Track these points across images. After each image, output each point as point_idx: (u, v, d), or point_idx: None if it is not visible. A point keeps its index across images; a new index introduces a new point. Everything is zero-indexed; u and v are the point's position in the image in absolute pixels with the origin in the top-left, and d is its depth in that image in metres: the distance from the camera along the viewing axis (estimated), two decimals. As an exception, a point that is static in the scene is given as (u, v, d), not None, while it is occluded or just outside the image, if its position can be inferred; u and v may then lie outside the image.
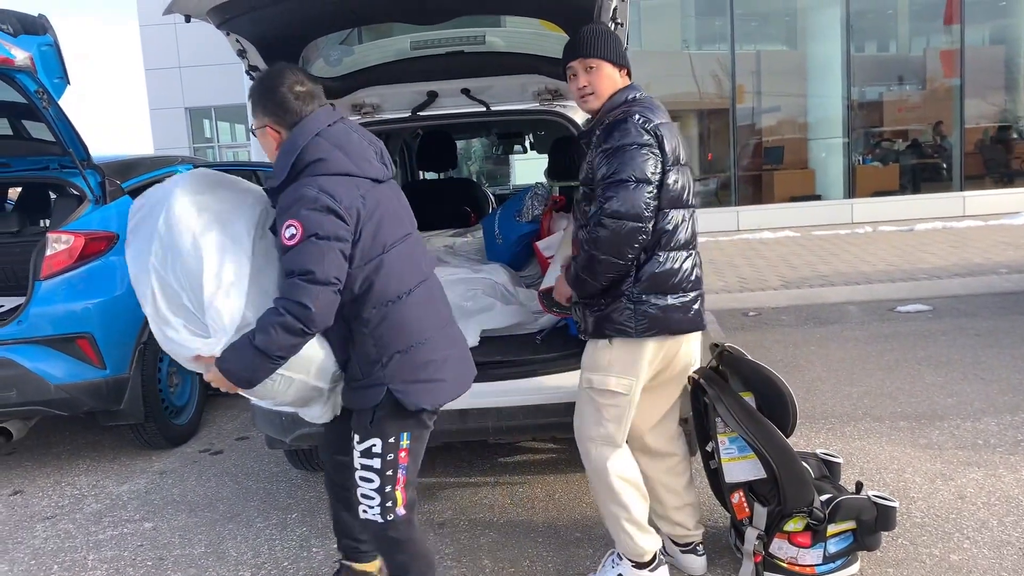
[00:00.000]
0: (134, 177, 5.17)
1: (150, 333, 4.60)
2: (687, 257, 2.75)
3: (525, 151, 6.67)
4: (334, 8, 3.00)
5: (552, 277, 3.74)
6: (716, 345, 3.17)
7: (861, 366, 5.51)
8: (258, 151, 14.60)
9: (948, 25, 13.31)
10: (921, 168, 14.02)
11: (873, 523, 2.92)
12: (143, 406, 4.53)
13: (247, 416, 5.13)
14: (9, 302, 4.56)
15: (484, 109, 3.89)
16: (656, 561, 2.89)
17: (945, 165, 13.91)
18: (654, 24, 14.02)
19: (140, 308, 4.56)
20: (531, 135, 6.34)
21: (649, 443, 3.02)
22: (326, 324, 2.24)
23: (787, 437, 2.96)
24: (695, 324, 2.79)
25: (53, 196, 5.59)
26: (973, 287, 7.76)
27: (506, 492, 3.86)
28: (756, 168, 14.15)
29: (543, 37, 3.56)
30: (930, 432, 4.25)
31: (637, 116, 2.62)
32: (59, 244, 4.33)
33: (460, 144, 7.14)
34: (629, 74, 2.84)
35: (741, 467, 3.02)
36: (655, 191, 2.58)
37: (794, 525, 2.90)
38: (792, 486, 2.88)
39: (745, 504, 3.02)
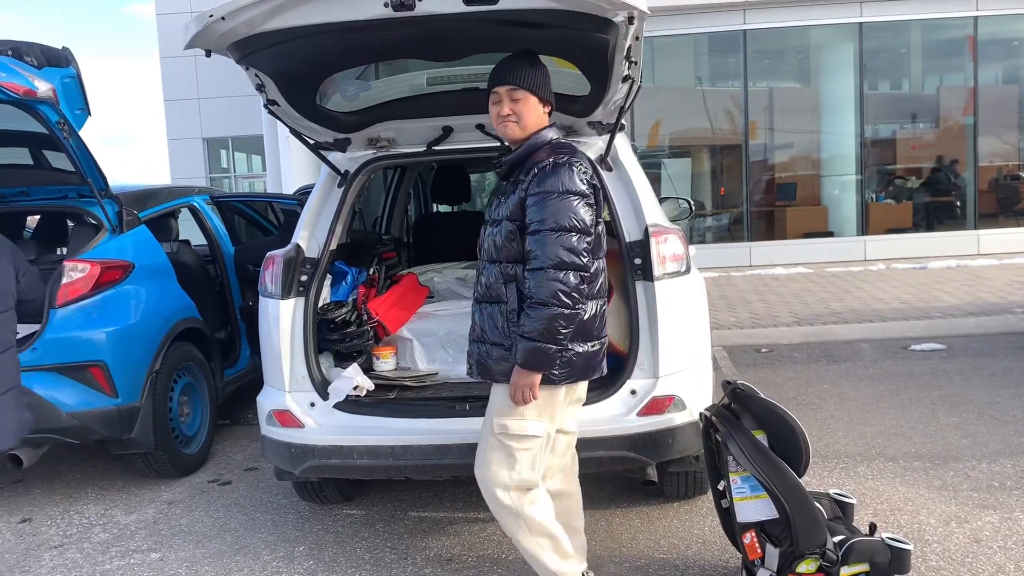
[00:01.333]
0: (151, 207, 5.24)
1: (162, 362, 4.64)
2: (603, 304, 2.85)
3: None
4: (352, 45, 3.04)
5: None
6: (728, 382, 3.16)
7: (875, 405, 5.47)
8: (274, 182, 14.73)
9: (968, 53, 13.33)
10: (935, 206, 14.00)
11: (887, 566, 2.88)
12: (154, 435, 4.54)
13: (256, 447, 5.12)
14: (24, 329, 4.58)
15: (498, 144, 3.92)
16: None
17: (959, 203, 13.89)
18: (667, 60, 14.13)
19: (155, 337, 4.59)
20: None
21: (551, 484, 3.02)
22: None
23: (799, 476, 2.94)
24: (603, 368, 2.89)
25: (71, 225, 5.65)
26: (988, 326, 7.70)
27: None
28: (769, 204, 14.17)
29: (557, 74, 3.57)
30: (945, 473, 4.20)
31: (577, 165, 2.70)
32: (75, 272, 4.37)
33: (474, 178, 7.17)
34: (552, 112, 2.91)
35: (753, 507, 2.99)
36: (592, 241, 2.67)
37: (806, 567, 2.86)
38: (805, 527, 2.85)
39: (757, 544, 2.98)
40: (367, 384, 3.69)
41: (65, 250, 5.50)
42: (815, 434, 4.78)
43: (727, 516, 3.12)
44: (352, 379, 3.67)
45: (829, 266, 12.48)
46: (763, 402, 3.08)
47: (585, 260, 2.62)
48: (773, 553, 2.92)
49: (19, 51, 4.26)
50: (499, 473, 2.79)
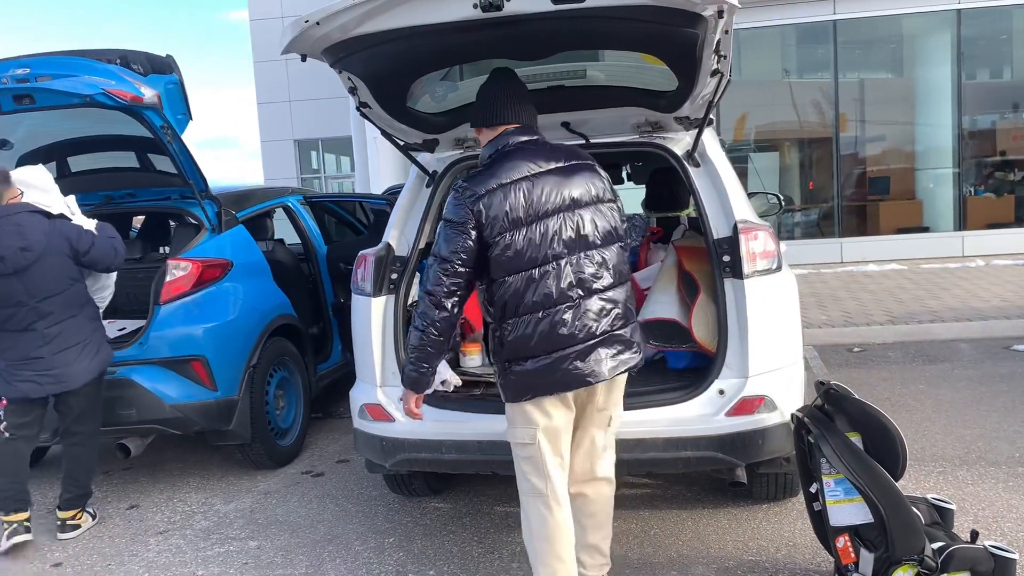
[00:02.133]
0: (248, 207, 5.43)
1: (259, 357, 4.81)
2: (543, 319, 2.69)
3: (621, 182, 6.65)
4: (441, 46, 3.09)
5: (650, 310, 3.74)
6: (821, 383, 3.09)
7: (975, 407, 5.25)
8: (363, 182, 15.06)
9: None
10: (1039, 199, 13.31)
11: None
12: (251, 427, 4.72)
13: (349, 439, 5.25)
14: (131, 324, 4.82)
15: (583, 142, 3.92)
16: None
17: (1064, 196, 13.18)
18: (753, 53, 13.81)
19: (252, 332, 4.83)
20: (627, 166, 6.32)
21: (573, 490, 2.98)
22: None
23: (896, 480, 2.86)
24: (568, 383, 2.73)
25: (173, 225, 5.91)
26: (1099, 326, 7.29)
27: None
28: (860, 198, 13.71)
29: (644, 70, 3.58)
30: (1052, 480, 4.02)
31: (460, 186, 2.77)
32: (178, 271, 4.58)
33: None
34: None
35: (847, 510, 2.92)
36: (455, 267, 2.70)
37: (903, 573, 2.78)
38: (901, 532, 2.77)
39: (851, 549, 2.91)
40: (455, 380, 3.75)
41: (167, 249, 5.77)
42: (911, 436, 4.62)
43: (819, 519, 3.06)
44: (440, 373, 3.74)
45: (924, 262, 12.01)
46: (858, 403, 3.00)
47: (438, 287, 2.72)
48: (868, 558, 2.84)
49: (126, 59, 4.49)
50: (518, 480, 2.92)
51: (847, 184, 13.66)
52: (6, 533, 4.05)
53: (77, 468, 4.21)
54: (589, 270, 2.75)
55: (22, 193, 4.07)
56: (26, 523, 4.07)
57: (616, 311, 2.79)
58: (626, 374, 2.92)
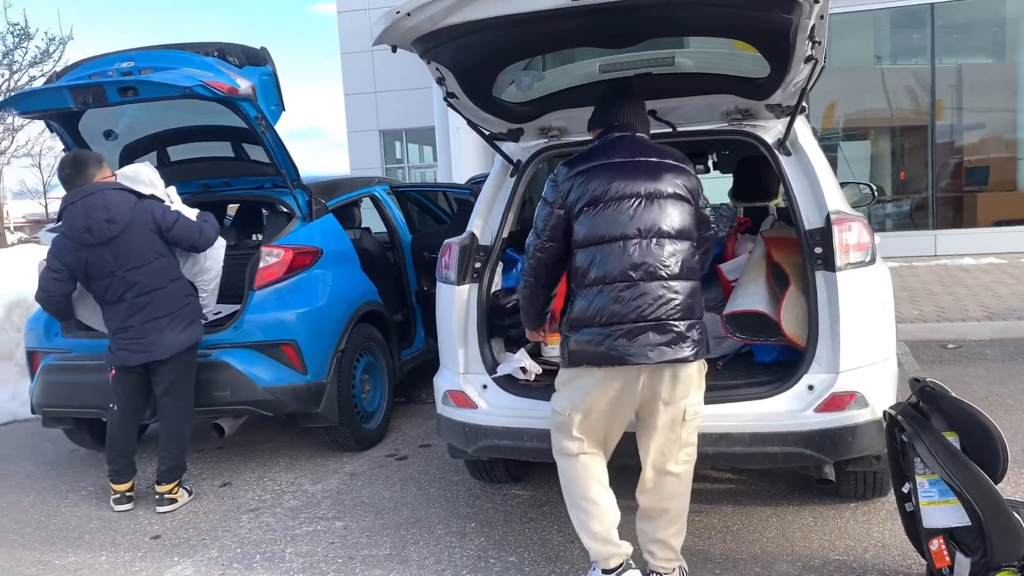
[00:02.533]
0: (337, 196, 5.56)
1: (347, 342, 4.93)
2: (603, 292, 2.85)
3: (707, 171, 6.55)
4: (529, 35, 3.10)
5: (737, 302, 3.68)
6: (916, 380, 2.99)
7: (1081, 409, 5.00)
8: (445, 172, 15.22)
9: None
10: None
11: (1097, 584, 2.64)
12: (338, 410, 4.84)
13: (431, 424, 5.35)
14: (226, 309, 5.00)
15: (670, 130, 3.88)
16: (622, 567, 2.98)
17: None
18: (843, 39, 13.36)
19: (340, 318, 5.06)
20: (715, 155, 6.22)
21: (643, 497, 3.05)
22: None
23: (996, 483, 2.74)
24: (611, 358, 2.83)
25: (265, 213, 6.09)
26: None
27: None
28: (957, 189, 13.16)
29: (735, 57, 3.51)
30: None
31: (556, 170, 3.06)
32: (271, 257, 4.72)
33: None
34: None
35: (942, 512, 2.83)
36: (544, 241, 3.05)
37: (1002, 579, 2.68)
38: (1000, 537, 2.66)
39: (945, 552, 2.82)
40: (535, 368, 3.76)
41: (260, 236, 5.95)
42: (1012, 438, 4.41)
43: (911, 520, 2.97)
44: (520, 360, 3.76)
45: (1026, 257, 11.48)
46: (955, 401, 2.89)
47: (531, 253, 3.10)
48: (964, 563, 2.75)
49: (223, 52, 4.65)
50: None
51: (942, 174, 13.13)
52: (112, 500, 4.41)
53: (170, 441, 4.43)
54: (655, 256, 2.86)
55: (115, 176, 4.39)
56: (128, 492, 4.42)
57: (675, 302, 2.85)
58: (695, 369, 2.94)
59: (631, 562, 3.03)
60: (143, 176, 4.47)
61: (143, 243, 4.23)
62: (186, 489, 4.55)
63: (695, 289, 2.94)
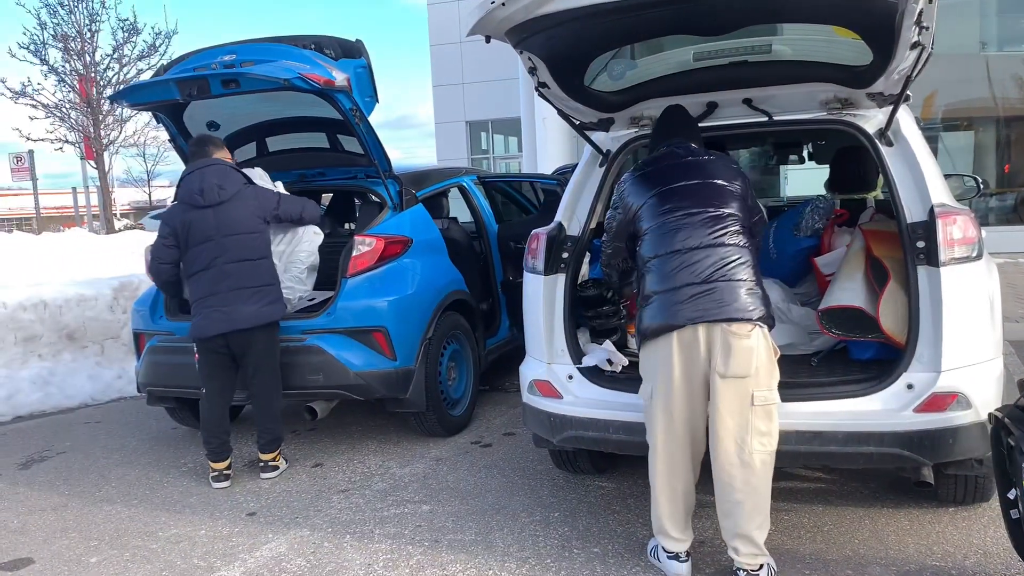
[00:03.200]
0: (426, 187, 5.63)
1: (434, 330, 5.00)
2: (659, 267, 3.13)
3: (802, 161, 6.37)
4: (622, 24, 3.07)
5: (834, 297, 3.57)
6: (1025, 381, 2.85)
7: None
8: (530, 162, 15.24)
9: None
10: None
11: None
12: (425, 396, 4.92)
13: (515, 413, 5.39)
14: (319, 295, 5.14)
15: (766, 119, 3.79)
16: (679, 557, 3.15)
17: None
18: (946, 25, 12.76)
19: (428, 306, 5.20)
20: (810, 145, 6.04)
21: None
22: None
23: (1112, 492, 2.60)
24: (670, 324, 3.02)
25: (358, 202, 6.22)
26: None
27: (771, 517, 3.72)
28: (1065, 182, 12.48)
29: (835, 44, 3.40)
30: None
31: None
32: (363, 246, 4.83)
33: (731, 155, 6.99)
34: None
35: (1051, 520, 2.69)
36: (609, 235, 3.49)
37: (1117, 594, 2.54)
38: (1116, 549, 2.52)
39: (1054, 562, 2.69)
40: (621, 360, 3.74)
41: (352, 225, 6.09)
42: None
43: (1017, 528, 2.83)
44: (606, 351, 3.75)
45: None
46: (1068, 405, 2.75)
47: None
48: (1074, 573, 2.61)
49: (320, 45, 4.76)
50: None
51: (1051, 166, 12.46)
52: (211, 477, 4.62)
53: (266, 417, 4.64)
54: (704, 231, 3.10)
55: (233, 158, 4.73)
56: (226, 471, 4.62)
57: (727, 267, 3.02)
58: (756, 344, 2.96)
59: (690, 552, 3.19)
60: (256, 173, 4.86)
61: (245, 215, 4.50)
62: (284, 458, 4.81)
63: (747, 261, 3.07)
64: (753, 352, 2.95)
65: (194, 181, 4.49)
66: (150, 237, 4.67)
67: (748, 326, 2.95)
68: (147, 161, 36.07)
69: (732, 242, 3.08)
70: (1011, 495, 2.82)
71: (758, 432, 2.96)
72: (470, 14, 3.04)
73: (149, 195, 40.21)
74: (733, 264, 3.03)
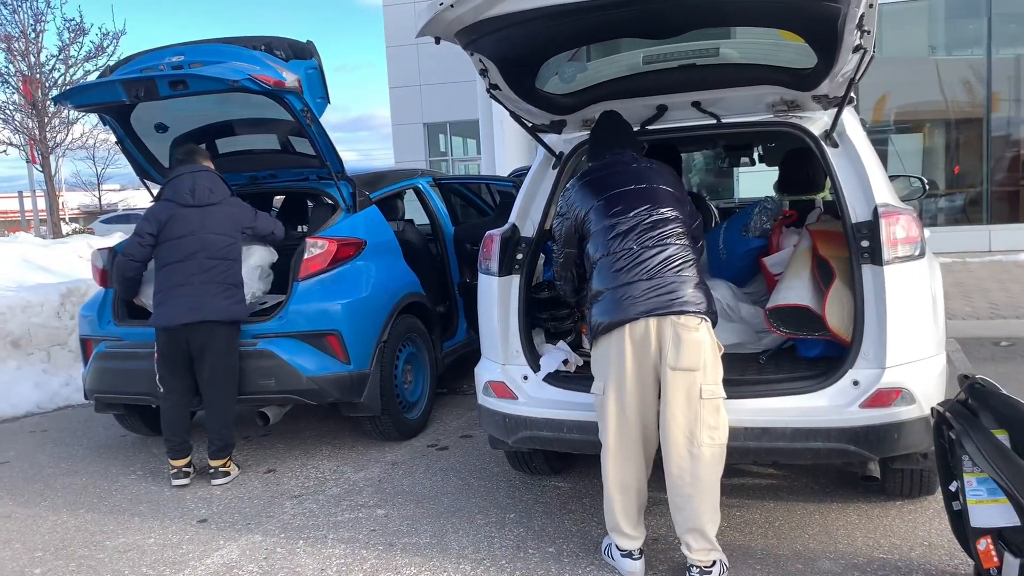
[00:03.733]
0: (381, 188, 5.60)
1: (389, 332, 4.98)
2: (607, 267, 3.20)
3: (753, 163, 6.47)
4: (572, 26, 3.09)
5: (781, 296, 3.63)
6: (966, 376, 2.93)
7: None
8: (488, 165, 15.24)
9: None
10: None
11: None
12: (380, 400, 4.89)
13: (472, 415, 5.38)
14: (271, 299, 5.08)
15: (714, 122, 3.84)
16: (632, 555, 3.19)
17: None
18: (896, 29, 13.09)
19: (383, 309, 5.21)
20: (760, 147, 6.14)
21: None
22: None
23: (1048, 483, 2.67)
24: (620, 320, 3.08)
25: (310, 204, 6.17)
26: None
27: (722, 514, 3.77)
28: (1013, 183, 12.81)
29: (781, 47, 3.46)
30: None
31: None
32: (315, 248, 4.78)
33: (683, 157, 7.07)
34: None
35: (990, 512, 2.77)
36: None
37: (1053, 581, 2.61)
38: (1052, 538, 2.60)
39: (993, 553, 2.76)
40: (576, 360, 3.77)
41: (305, 228, 6.03)
42: (1066, 438, 4.31)
43: (959, 519, 2.91)
44: (562, 354, 3.77)
45: (1085, 253, 11.13)
46: (1006, 399, 2.82)
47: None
48: (1013, 563, 2.68)
49: (270, 46, 4.72)
50: None
51: (998, 168, 12.80)
52: (171, 474, 4.64)
53: (218, 423, 4.61)
54: (651, 231, 3.18)
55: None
56: (185, 468, 4.64)
57: (673, 264, 3.11)
58: (703, 337, 3.03)
59: (643, 549, 3.23)
60: None
61: (227, 221, 4.62)
62: (236, 464, 4.78)
63: (693, 260, 3.17)
64: (702, 345, 3.01)
65: (185, 182, 4.60)
66: (99, 241, 4.59)
67: (696, 319, 3.02)
68: (97, 164, 35.38)
69: (679, 242, 3.17)
70: (952, 487, 2.89)
71: (707, 425, 3.01)
72: (419, 15, 3.03)
73: (99, 199, 39.40)
74: (680, 262, 3.12)
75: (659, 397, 3.08)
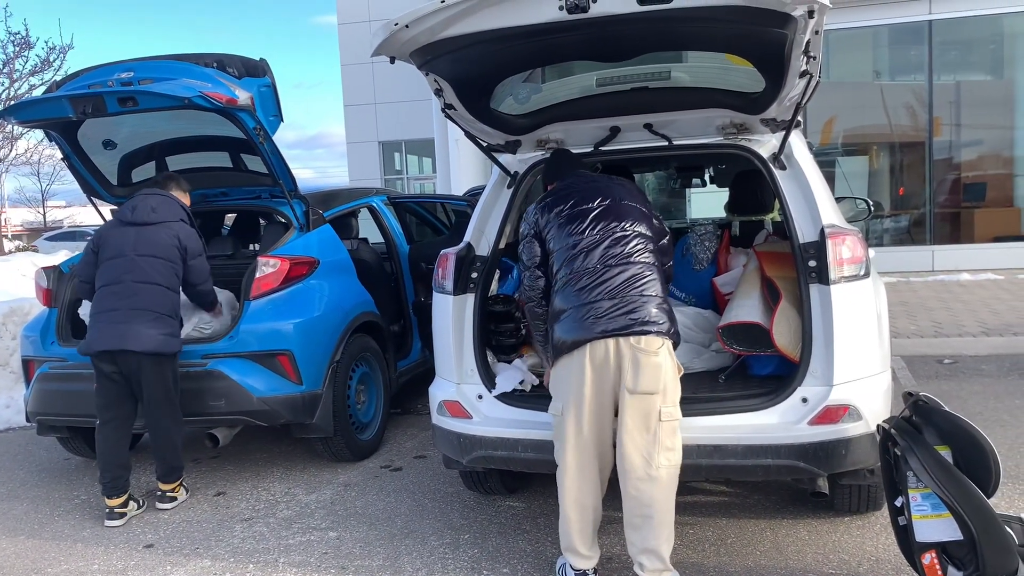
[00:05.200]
0: (334, 207, 5.57)
1: (342, 352, 4.93)
2: (569, 286, 3.20)
3: (704, 184, 6.58)
4: (526, 48, 3.12)
5: (732, 314, 3.69)
6: (910, 393, 3.00)
7: (1076, 425, 5.00)
8: (444, 184, 15.24)
9: None
10: None
11: (1089, 600, 2.64)
12: (333, 421, 4.82)
13: (426, 435, 5.35)
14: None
15: (666, 143, 3.90)
16: (587, 575, 3.20)
17: None
18: (843, 54, 13.45)
19: (336, 329, 5.12)
20: (711, 169, 6.24)
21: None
22: None
23: (988, 497, 2.74)
24: (581, 339, 3.09)
25: (263, 223, 6.10)
26: None
27: (675, 531, 3.79)
28: (954, 205, 13.20)
29: (730, 71, 3.54)
30: None
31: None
32: (267, 267, 4.72)
33: (636, 178, 7.16)
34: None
35: (934, 526, 2.82)
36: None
37: (995, 594, 2.67)
38: (992, 551, 2.66)
39: (938, 567, 2.82)
40: (532, 379, 3.77)
41: (257, 246, 5.97)
42: (1005, 453, 4.43)
43: (904, 534, 2.96)
44: (519, 374, 3.77)
45: (1022, 273, 11.49)
46: (948, 416, 2.90)
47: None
48: (956, 576, 2.75)
49: (222, 63, 4.68)
50: None
51: (940, 190, 13.17)
52: (105, 514, 4.36)
53: (164, 448, 4.48)
54: (614, 250, 3.21)
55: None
56: (119, 509, 4.35)
57: (636, 284, 3.13)
58: (663, 361, 3.05)
59: (597, 569, 3.24)
60: None
61: (165, 244, 4.40)
62: (185, 487, 4.64)
63: (656, 278, 3.19)
64: (661, 369, 3.04)
65: (134, 201, 4.52)
66: (43, 259, 4.47)
67: (658, 342, 3.05)
68: (41, 180, 34.59)
69: (643, 260, 3.19)
70: (898, 503, 2.94)
71: (664, 447, 3.04)
72: (374, 35, 3.03)
73: (43, 215, 38.49)
74: (645, 281, 3.14)
75: (615, 417, 3.10)
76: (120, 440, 4.40)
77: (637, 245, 3.21)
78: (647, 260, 3.20)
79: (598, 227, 3.23)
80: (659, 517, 3.03)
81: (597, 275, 3.14)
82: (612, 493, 3.17)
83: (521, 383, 3.73)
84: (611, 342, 3.04)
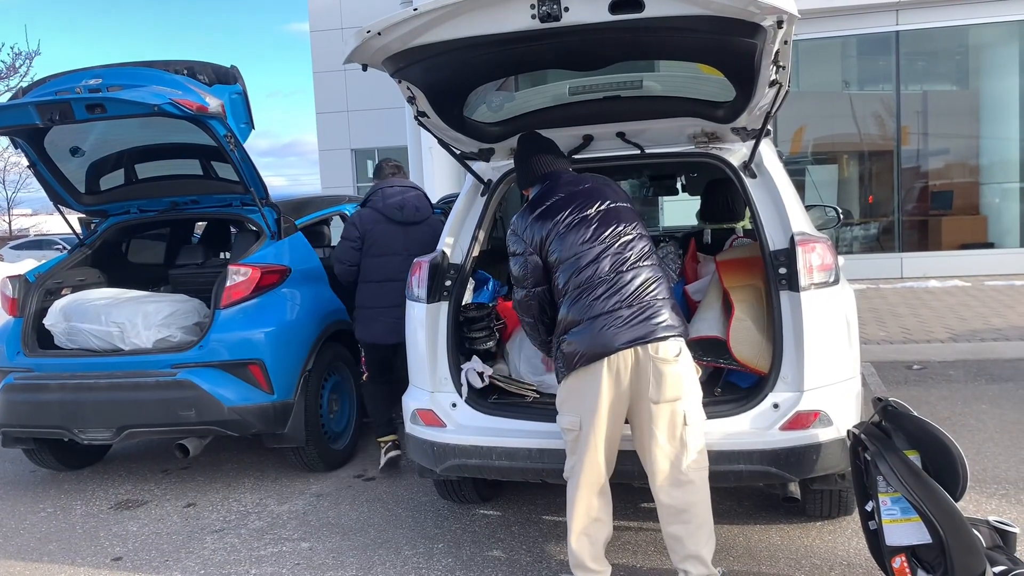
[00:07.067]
0: (306, 215, 5.54)
1: (315, 361, 4.90)
2: (577, 297, 3.11)
3: (676, 193, 6.63)
4: (499, 57, 3.13)
5: (695, 328, 3.70)
6: (879, 399, 3.03)
7: (1041, 429, 5.09)
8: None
9: None
10: (1112, 216, 12.84)
11: (1055, 601, 2.68)
12: (305, 430, 4.79)
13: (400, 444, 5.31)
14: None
15: (638, 152, 3.93)
16: None
17: None
18: (813, 64, 13.62)
19: (308, 337, 5.08)
20: (683, 177, 6.29)
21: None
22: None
23: (956, 501, 2.78)
24: (597, 352, 3.02)
25: (234, 231, 6.05)
26: None
27: (650, 538, 3.81)
28: (922, 213, 13.40)
29: (701, 80, 3.57)
30: (1123, 506, 3.87)
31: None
32: (238, 276, 4.68)
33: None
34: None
35: (904, 530, 2.86)
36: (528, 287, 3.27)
37: (963, 596, 2.71)
38: (961, 554, 2.70)
39: (907, 570, 2.85)
40: (487, 370, 3.77)
41: (228, 255, 5.91)
42: (972, 457, 4.50)
43: (875, 538, 3.00)
44: (474, 366, 3.75)
45: (989, 279, 11.67)
46: (917, 421, 2.94)
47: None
48: (926, 579, 2.78)
49: (193, 70, 4.63)
50: None
51: (908, 198, 13.37)
52: (383, 451, 4.92)
53: (392, 407, 4.72)
54: (620, 255, 3.15)
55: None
56: (396, 441, 4.88)
57: (647, 289, 3.08)
58: (682, 368, 3.03)
59: None
60: None
61: (430, 243, 4.32)
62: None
63: (663, 278, 3.17)
64: (682, 376, 3.04)
65: (395, 195, 4.88)
66: (9, 268, 4.38)
67: (675, 348, 3.03)
68: (7, 188, 34.06)
69: (649, 263, 3.15)
70: (868, 507, 2.98)
71: (693, 450, 3.05)
72: (346, 43, 3.02)
73: (9, 224, 37.90)
74: (655, 284, 3.11)
75: (624, 423, 3.10)
76: (383, 393, 4.94)
77: (642, 248, 3.17)
78: (652, 262, 3.17)
79: (605, 233, 3.14)
80: (697, 521, 3.04)
81: (611, 283, 3.06)
82: (619, 503, 3.16)
83: (481, 376, 3.72)
84: (629, 353, 2.99)
